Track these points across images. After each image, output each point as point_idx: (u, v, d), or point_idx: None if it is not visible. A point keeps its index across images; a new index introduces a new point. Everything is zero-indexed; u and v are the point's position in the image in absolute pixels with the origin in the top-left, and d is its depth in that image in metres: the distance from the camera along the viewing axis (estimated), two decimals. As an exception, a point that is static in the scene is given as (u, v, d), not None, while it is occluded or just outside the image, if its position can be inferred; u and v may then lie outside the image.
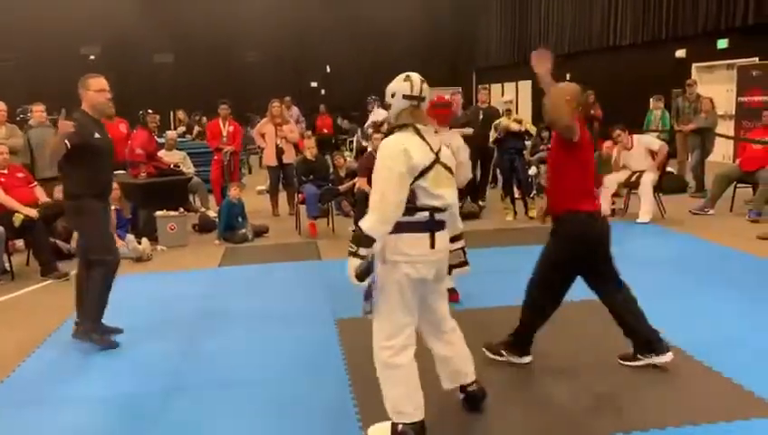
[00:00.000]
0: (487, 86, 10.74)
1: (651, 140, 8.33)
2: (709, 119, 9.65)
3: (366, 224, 2.77)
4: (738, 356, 3.84)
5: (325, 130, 12.94)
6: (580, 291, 3.78)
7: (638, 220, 7.73)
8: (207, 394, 3.64)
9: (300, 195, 8.06)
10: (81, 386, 3.82)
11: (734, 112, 12.41)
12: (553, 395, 3.49)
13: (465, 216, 8.18)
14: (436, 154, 2.94)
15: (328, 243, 7.41)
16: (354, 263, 2.82)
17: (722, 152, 11.97)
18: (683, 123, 10.04)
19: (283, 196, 9.29)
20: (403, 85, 2.98)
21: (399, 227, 2.84)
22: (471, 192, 8.90)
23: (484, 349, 3.92)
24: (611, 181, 8.25)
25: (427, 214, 2.89)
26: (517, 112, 12.51)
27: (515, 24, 20.54)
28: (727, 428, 3.09)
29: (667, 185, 9.05)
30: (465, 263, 3.82)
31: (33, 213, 6.22)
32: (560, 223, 3.65)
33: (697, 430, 3.07)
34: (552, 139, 3.85)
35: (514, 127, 8.33)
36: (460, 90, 13.57)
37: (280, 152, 8.99)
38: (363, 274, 2.86)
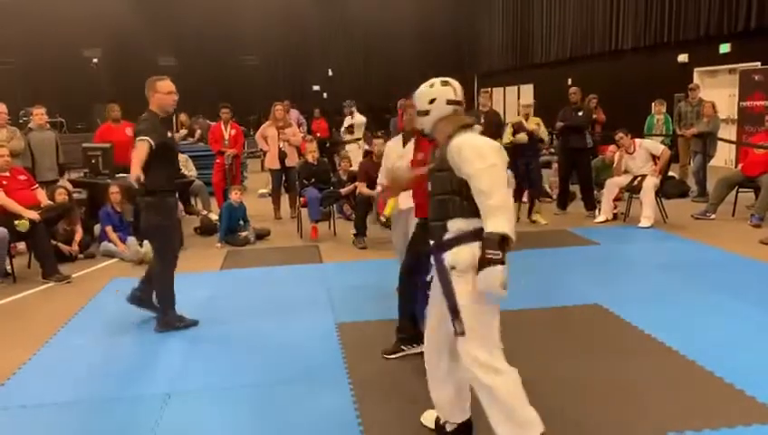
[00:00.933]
0: (488, 90, 10.71)
1: (653, 145, 8.32)
2: (711, 123, 9.64)
3: (503, 226, 2.54)
4: (740, 361, 3.82)
5: (319, 134, 12.94)
6: (578, 296, 3.78)
7: (640, 225, 7.71)
8: (207, 398, 3.64)
9: (302, 198, 8.06)
10: (82, 389, 3.81)
11: (736, 117, 12.40)
12: (552, 402, 3.48)
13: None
14: None
15: (329, 246, 7.40)
16: (498, 270, 2.55)
17: (724, 157, 11.96)
18: (685, 128, 10.04)
19: (284, 199, 9.30)
20: (445, 90, 2.91)
21: (482, 232, 2.64)
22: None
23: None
24: (613, 185, 8.25)
25: None
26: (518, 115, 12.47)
27: (517, 28, 20.56)
28: (729, 434, 3.08)
29: (668, 189, 9.05)
30: None
31: (35, 215, 6.22)
32: None
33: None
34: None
35: (522, 138, 8.29)
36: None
37: (283, 155, 9.00)
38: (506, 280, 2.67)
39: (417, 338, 3.93)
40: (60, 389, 3.82)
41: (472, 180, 2.61)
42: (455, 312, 2.71)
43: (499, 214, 2.55)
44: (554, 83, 16.71)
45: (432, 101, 2.91)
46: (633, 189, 8.08)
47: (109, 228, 7.12)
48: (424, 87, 2.97)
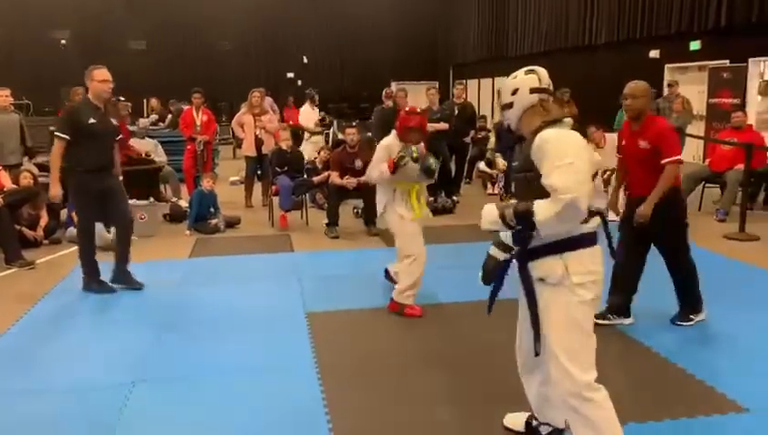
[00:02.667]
0: (463, 82, 10.75)
1: (622, 139, 8.41)
2: (680, 118, 9.79)
3: (545, 211, 2.37)
4: (701, 353, 3.91)
5: (291, 122, 12.84)
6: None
7: (608, 218, 7.79)
8: (173, 387, 3.60)
9: (273, 186, 8.00)
10: (45, 376, 3.75)
11: (704, 113, 12.60)
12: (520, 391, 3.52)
13: (440, 211, 8.25)
14: None
15: (301, 235, 7.36)
16: (494, 214, 2.51)
17: (692, 153, 12.15)
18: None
19: (257, 187, 9.22)
20: (529, 78, 2.67)
21: (579, 241, 2.50)
22: (446, 187, 8.93)
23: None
24: (583, 179, 8.33)
25: (599, 219, 2.57)
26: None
27: (493, 20, 20.59)
28: (689, 423, 3.14)
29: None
30: None
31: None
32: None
33: (660, 426, 3.12)
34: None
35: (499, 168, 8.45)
36: (437, 85, 13.54)
37: (259, 143, 8.92)
38: (492, 273, 2.65)
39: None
40: (23, 376, 3.75)
41: (544, 178, 2.40)
42: (536, 327, 2.59)
43: (556, 205, 2.35)
44: (528, 76, 16.79)
45: (515, 92, 2.68)
46: (603, 182, 8.17)
47: (75, 213, 6.97)
48: (508, 79, 2.75)
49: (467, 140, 9.43)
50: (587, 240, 2.53)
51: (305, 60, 21.98)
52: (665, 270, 4.42)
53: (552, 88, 2.70)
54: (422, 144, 4.70)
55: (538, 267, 2.54)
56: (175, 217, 8.11)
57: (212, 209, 7.70)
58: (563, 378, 2.53)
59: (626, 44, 14.53)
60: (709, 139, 10.56)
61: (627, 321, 4.41)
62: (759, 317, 4.56)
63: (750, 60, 11.49)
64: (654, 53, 13.82)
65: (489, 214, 2.55)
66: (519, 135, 2.73)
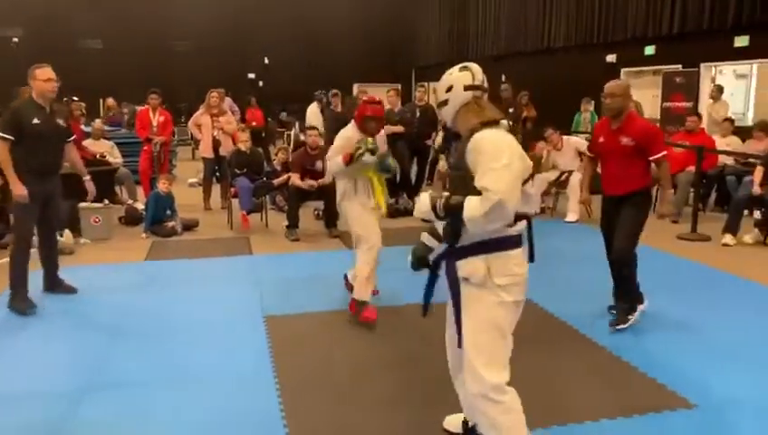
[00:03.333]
0: (425, 84, 10.80)
1: (580, 142, 8.57)
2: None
3: (472, 210, 2.37)
4: (655, 351, 3.99)
5: (254, 123, 12.72)
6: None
7: (566, 219, 7.94)
8: (124, 395, 3.51)
9: (233, 188, 7.90)
10: (24, 380, 3.62)
11: (659, 117, 12.91)
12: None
13: (401, 212, 8.26)
14: None
15: (260, 238, 7.29)
16: (425, 204, 2.51)
17: (647, 155, 12.43)
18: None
19: (216, 189, 9.10)
20: (462, 75, 2.66)
21: (503, 243, 2.50)
22: (407, 189, 8.95)
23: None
24: (541, 180, 8.45)
25: (524, 222, 2.56)
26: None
27: (454, 23, 20.75)
28: (640, 420, 3.20)
29: (594, 185, 9.32)
30: None
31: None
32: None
33: (612, 424, 3.17)
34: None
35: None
36: (398, 87, 13.53)
37: (217, 144, 8.80)
38: (422, 259, 2.75)
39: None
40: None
41: (477, 180, 2.38)
42: (458, 324, 2.60)
43: (485, 204, 2.33)
44: (489, 79, 16.95)
45: (449, 89, 2.67)
46: (560, 185, 8.30)
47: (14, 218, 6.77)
48: (443, 76, 2.73)
49: (429, 142, 9.48)
50: (511, 243, 2.53)
51: (266, 61, 21.81)
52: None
53: (486, 85, 2.69)
54: (382, 136, 4.74)
55: (462, 267, 2.55)
56: (130, 219, 7.95)
57: (169, 212, 7.57)
58: (473, 378, 2.56)
59: (583, 48, 14.79)
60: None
61: (642, 306, 4.52)
62: (708, 315, 4.68)
63: (702, 65, 11.82)
64: (610, 58, 14.10)
65: (423, 203, 2.55)
66: (455, 133, 2.72)
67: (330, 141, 5.25)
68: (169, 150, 9.63)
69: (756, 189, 6.87)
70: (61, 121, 5.03)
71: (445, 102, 2.69)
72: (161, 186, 7.59)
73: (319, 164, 7.24)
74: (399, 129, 8.69)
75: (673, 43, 12.36)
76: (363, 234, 4.54)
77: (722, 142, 8.76)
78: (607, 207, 4.59)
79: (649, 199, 4.54)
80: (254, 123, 12.63)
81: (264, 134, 13.42)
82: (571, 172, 8.14)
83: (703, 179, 7.86)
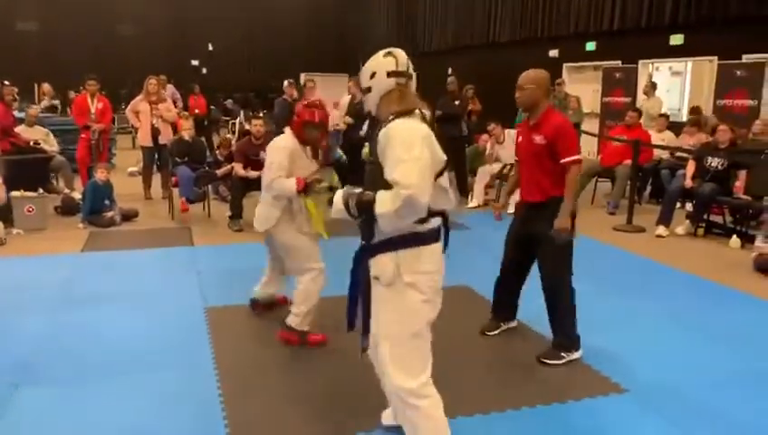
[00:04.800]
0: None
1: (522, 135, 8.72)
2: (575, 116, 10.26)
3: (383, 205, 2.30)
4: (591, 338, 4.09)
5: (197, 111, 12.46)
6: (448, 278, 3.87)
7: (509, 211, 8.06)
8: (62, 388, 3.41)
9: (174, 177, 7.73)
10: None
11: (599, 111, 13.26)
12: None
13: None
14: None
15: (202, 229, 7.16)
16: (339, 202, 2.43)
17: (587, 149, 12.75)
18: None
19: (156, 179, 8.88)
20: (386, 61, 2.55)
21: (413, 240, 2.42)
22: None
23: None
24: (485, 173, 8.59)
25: (440, 219, 2.53)
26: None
27: (402, 14, 20.78)
28: (575, 406, 3.31)
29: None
30: None
31: None
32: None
33: (549, 410, 3.27)
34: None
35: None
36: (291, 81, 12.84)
37: (156, 132, 8.59)
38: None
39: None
40: None
41: (388, 172, 2.30)
42: (365, 323, 2.54)
43: (396, 200, 2.25)
44: (436, 72, 17.08)
45: (373, 76, 2.56)
46: (503, 177, 8.44)
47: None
48: (368, 62, 2.62)
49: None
50: (424, 239, 2.45)
51: (210, 47, 21.37)
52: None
53: (410, 71, 2.58)
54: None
55: (373, 265, 2.48)
56: (67, 209, 7.69)
57: (107, 201, 7.35)
58: (389, 380, 2.51)
59: (527, 43, 15.04)
60: (602, 136, 11.13)
61: (512, 324, 4.28)
62: (640, 303, 4.86)
63: (640, 61, 12.19)
64: (553, 53, 14.39)
65: (337, 201, 2.46)
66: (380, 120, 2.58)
67: (278, 132, 4.63)
68: (108, 138, 9.35)
69: (688, 183, 7.15)
70: None
71: (369, 89, 2.58)
72: (99, 175, 7.37)
73: (263, 154, 7.13)
74: (348, 120, 8.68)
75: (613, 39, 12.70)
76: (307, 263, 3.95)
77: (657, 137, 9.07)
78: (519, 214, 4.06)
79: None
80: (196, 111, 12.35)
81: (206, 122, 13.16)
82: (512, 166, 8.27)
83: (639, 173, 8.12)
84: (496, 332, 4.24)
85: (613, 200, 8.29)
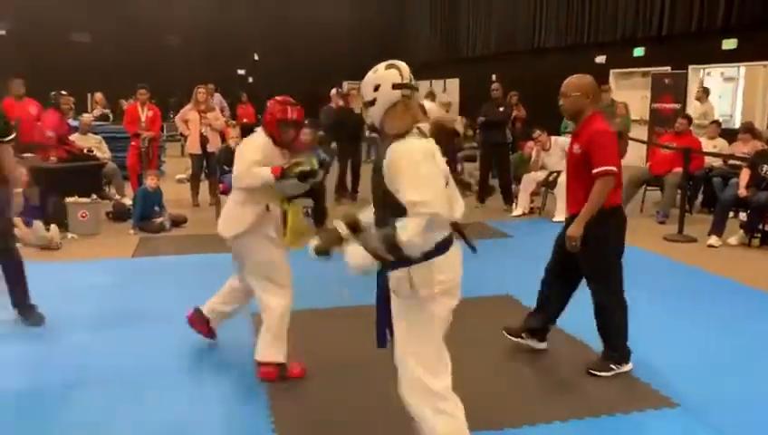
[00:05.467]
0: (417, 83, 10.80)
1: (568, 142, 8.60)
2: (622, 123, 10.07)
3: (410, 232, 2.28)
4: (639, 350, 4.00)
5: (246, 120, 12.67)
6: (491, 287, 3.87)
7: (554, 219, 7.96)
8: (113, 390, 3.51)
9: (221, 184, 7.88)
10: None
11: (647, 118, 13.00)
12: (464, 390, 3.55)
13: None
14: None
15: (248, 234, 7.27)
16: (358, 256, 2.40)
17: (635, 156, 12.52)
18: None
19: (204, 185, 9.07)
20: (390, 74, 2.52)
21: (428, 253, 2.41)
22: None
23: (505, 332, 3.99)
24: (530, 180, 8.50)
25: (446, 232, 2.50)
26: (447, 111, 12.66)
27: (445, 21, 20.78)
28: (624, 419, 3.24)
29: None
30: None
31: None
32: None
33: (597, 422, 3.20)
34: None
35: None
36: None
37: (204, 140, 8.78)
38: (325, 251, 2.56)
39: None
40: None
41: (402, 196, 2.34)
42: (380, 327, 2.57)
43: (418, 221, 2.28)
44: (479, 78, 17.00)
45: (377, 88, 2.53)
46: (549, 185, 8.34)
47: (12, 211, 6.74)
48: (369, 73, 2.59)
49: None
50: (433, 251, 2.43)
51: (256, 57, 21.73)
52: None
53: (414, 83, 2.56)
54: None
55: (390, 279, 2.49)
56: (118, 215, 7.92)
57: (157, 208, 7.54)
58: (408, 388, 2.51)
59: (573, 49, 14.86)
60: (650, 142, 10.90)
61: (540, 345, 4.03)
62: (692, 315, 4.73)
63: (690, 67, 11.92)
64: (600, 59, 14.18)
65: (356, 255, 2.41)
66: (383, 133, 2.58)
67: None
68: (158, 146, 9.58)
69: (742, 191, 6.93)
70: None
71: (372, 102, 2.54)
72: (149, 182, 7.56)
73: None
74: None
75: (662, 44, 12.46)
76: (275, 278, 3.64)
77: (708, 144, 8.83)
78: (566, 226, 3.79)
79: (612, 219, 3.66)
80: (244, 120, 12.57)
81: (254, 130, 13.38)
82: (559, 173, 8.17)
83: (690, 181, 7.93)
84: (515, 339, 4.03)
85: (663, 209, 8.09)
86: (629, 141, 10.33)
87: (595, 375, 3.68)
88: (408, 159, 2.36)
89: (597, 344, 3.94)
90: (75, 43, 19.78)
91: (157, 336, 4.24)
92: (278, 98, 3.75)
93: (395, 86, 2.51)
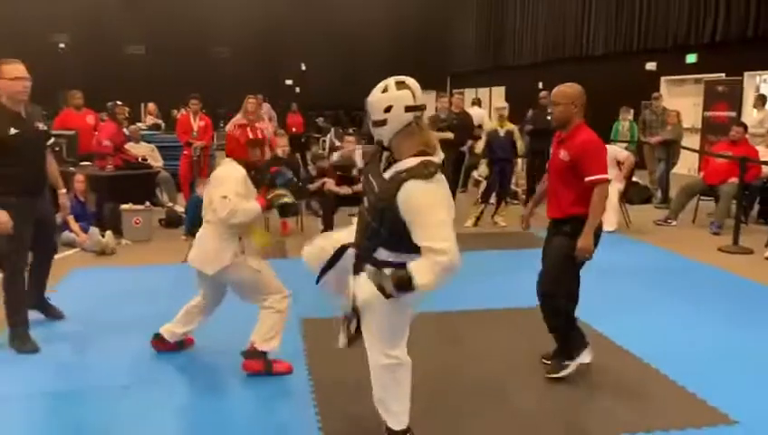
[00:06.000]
0: (462, 92, 10.80)
1: (618, 151, 8.47)
2: (674, 131, 9.85)
3: (424, 280, 2.40)
4: (694, 366, 3.91)
5: (294, 129, 12.87)
6: (525, 299, 3.80)
7: (604, 228, 7.82)
8: (167, 389, 3.61)
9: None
10: (41, 381, 3.73)
11: (700, 126, 12.67)
12: (512, 404, 3.52)
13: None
14: None
15: (296, 241, 7.35)
16: (366, 292, 2.59)
17: (687, 165, 12.21)
18: (650, 135, 10.23)
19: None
20: (402, 95, 2.48)
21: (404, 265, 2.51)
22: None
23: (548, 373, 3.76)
24: (579, 189, 8.36)
25: None
26: (490, 118, 12.61)
27: (490, 29, 20.71)
28: (679, 436, 3.16)
29: (633, 195, 9.21)
30: None
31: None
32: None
33: (651, 438, 3.13)
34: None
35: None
36: (462, 93, 13.22)
37: (252, 149, 8.94)
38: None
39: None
40: (19, 380, 3.73)
41: (417, 239, 2.43)
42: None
43: (435, 268, 2.38)
44: (526, 86, 16.88)
45: (388, 109, 2.48)
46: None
47: (70, 218, 6.97)
48: (377, 92, 2.52)
49: (464, 149, 9.46)
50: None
51: (303, 67, 22.05)
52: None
53: (422, 103, 2.54)
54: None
55: (367, 274, 2.60)
56: (171, 222, 8.11)
57: (208, 215, 7.69)
58: (377, 354, 2.78)
59: (622, 56, 14.62)
60: (704, 152, 10.62)
61: (583, 355, 3.79)
62: (749, 329, 4.58)
63: (746, 73, 11.58)
64: (650, 66, 13.92)
65: (364, 291, 2.58)
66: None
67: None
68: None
69: (802, 202, 6.70)
70: (40, 125, 4.26)
71: (383, 122, 2.50)
72: (200, 189, 7.72)
73: (354, 171, 7.30)
74: (449, 135, 8.72)
75: (716, 50, 12.15)
76: (272, 288, 3.82)
77: (765, 153, 8.56)
78: (548, 231, 3.89)
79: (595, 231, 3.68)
80: (293, 129, 12.76)
81: (303, 139, 13.56)
82: (609, 182, 8.03)
83: (746, 191, 7.69)
84: (562, 373, 3.77)
85: (717, 220, 7.87)
86: (681, 150, 10.10)
87: (556, 378, 3.67)
88: (427, 201, 2.40)
89: (645, 353, 3.85)
90: (130, 56, 20.44)
91: (205, 337, 4.33)
92: (235, 122, 3.86)
93: (408, 109, 2.48)
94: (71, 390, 3.62)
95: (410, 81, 2.53)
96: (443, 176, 2.51)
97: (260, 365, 3.74)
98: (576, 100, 3.66)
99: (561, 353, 3.78)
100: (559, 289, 3.69)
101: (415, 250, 2.45)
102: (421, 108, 2.52)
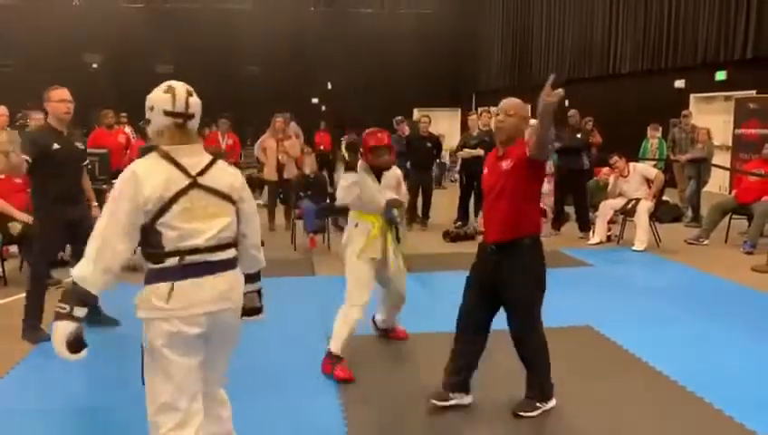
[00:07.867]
0: (490, 109, 10.75)
1: (647, 169, 8.38)
2: (705, 149, 9.72)
3: (81, 270, 2.30)
4: (729, 387, 3.83)
5: (322, 147, 13.01)
6: (570, 318, 3.79)
7: (634, 248, 7.74)
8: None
9: (297, 210, 8.07)
10: (71, 396, 3.78)
11: (730, 144, 12.49)
12: (541, 423, 3.47)
13: (461, 237, 8.22)
14: (194, 177, 2.37)
15: (323, 259, 7.40)
16: (65, 328, 2.23)
17: (718, 183, 12.03)
18: (679, 153, 10.12)
19: (279, 210, 9.31)
20: (163, 98, 2.37)
21: (154, 276, 2.42)
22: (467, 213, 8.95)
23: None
24: (607, 208, 8.29)
25: (177, 259, 2.39)
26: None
27: (516, 48, 20.72)
28: (717, 460, 3.08)
29: (662, 213, 9.09)
30: (258, 310, 3.06)
31: (28, 218, 6.18)
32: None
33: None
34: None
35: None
36: (490, 109, 13.00)
37: (281, 167, 9.04)
38: (76, 342, 2.28)
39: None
40: (47, 395, 3.79)
41: None
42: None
43: (89, 259, 2.29)
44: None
45: (152, 109, 2.40)
46: (627, 212, 8.12)
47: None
48: (154, 91, 2.46)
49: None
50: (161, 276, 2.41)
51: (329, 86, 22.25)
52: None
53: (189, 111, 2.40)
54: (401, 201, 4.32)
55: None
56: (198, 238, 8.19)
57: (236, 232, 7.76)
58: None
59: (650, 74, 14.53)
60: (736, 170, 10.46)
61: (466, 400, 3.61)
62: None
63: (777, 90, 11.42)
64: (679, 83, 13.79)
65: (56, 332, 2.29)
66: None
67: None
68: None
69: (839, 221, 6.54)
70: (79, 145, 4.87)
71: (148, 122, 2.45)
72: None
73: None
74: (479, 152, 8.83)
75: (746, 67, 12.00)
76: (349, 289, 4.17)
77: (800, 171, 8.39)
78: (480, 256, 3.55)
79: (538, 247, 3.43)
80: (321, 147, 12.87)
81: (331, 157, 13.67)
82: (638, 200, 7.96)
83: (780, 209, 7.54)
84: (446, 403, 3.56)
85: (751, 240, 7.71)
86: (712, 168, 9.97)
87: (523, 417, 3.46)
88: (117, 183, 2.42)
89: (673, 370, 3.78)
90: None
91: (232, 359, 4.35)
92: (367, 130, 4.24)
93: (166, 113, 2.41)
94: (104, 404, 3.65)
95: (177, 87, 2.42)
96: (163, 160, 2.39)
97: (329, 367, 4.04)
98: (527, 115, 3.48)
99: (533, 388, 3.54)
100: (532, 323, 3.47)
101: None
102: (184, 115, 2.39)
